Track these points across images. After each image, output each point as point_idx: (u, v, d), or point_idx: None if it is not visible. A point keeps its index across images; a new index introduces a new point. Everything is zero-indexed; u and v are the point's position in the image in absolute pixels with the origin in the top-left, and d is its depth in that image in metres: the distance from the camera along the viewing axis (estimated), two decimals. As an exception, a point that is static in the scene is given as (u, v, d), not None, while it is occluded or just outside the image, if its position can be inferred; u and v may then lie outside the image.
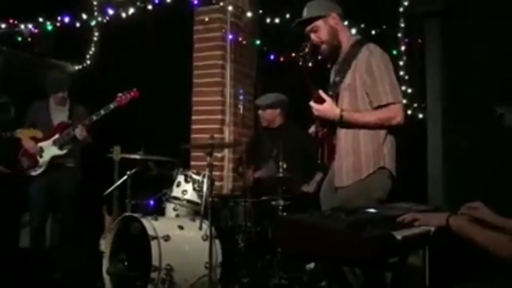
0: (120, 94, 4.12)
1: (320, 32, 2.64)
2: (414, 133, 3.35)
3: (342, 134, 2.55)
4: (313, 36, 2.65)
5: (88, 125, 4.12)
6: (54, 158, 4.16)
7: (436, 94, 3.45)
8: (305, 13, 2.68)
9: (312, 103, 2.56)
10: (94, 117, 4.10)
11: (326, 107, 2.52)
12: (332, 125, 2.58)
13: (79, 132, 4.09)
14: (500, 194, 2.84)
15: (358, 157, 2.50)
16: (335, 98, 2.57)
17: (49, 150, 4.16)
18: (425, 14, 3.50)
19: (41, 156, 4.15)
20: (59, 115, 4.28)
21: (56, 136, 4.16)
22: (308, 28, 2.66)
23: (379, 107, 2.49)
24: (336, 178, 2.56)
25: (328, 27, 2.63)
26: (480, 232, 1.70)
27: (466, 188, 3.05)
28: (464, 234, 1.73)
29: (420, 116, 3.77)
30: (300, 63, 2.61)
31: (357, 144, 2.51)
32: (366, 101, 2.52)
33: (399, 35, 4.04)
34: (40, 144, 4.16)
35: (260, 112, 4.29)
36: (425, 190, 3.33)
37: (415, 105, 3.84)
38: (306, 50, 2.61)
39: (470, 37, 3.23)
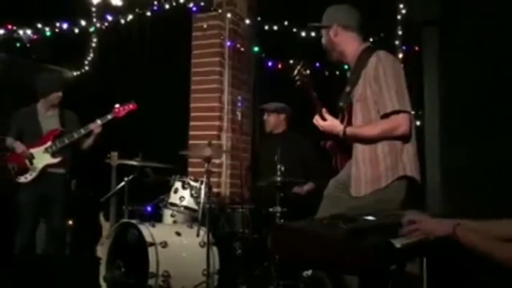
0: (117, 105, 4.08)
1: (324, 39, 2.69)
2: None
3: (359, 145, 2.50)
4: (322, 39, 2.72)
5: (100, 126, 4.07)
6: (47, 166, 4.01)
7: (434, 102, 3.46)
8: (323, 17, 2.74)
9: (316, 119, 2.55)
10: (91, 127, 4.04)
11: (328, 124, 2.52)
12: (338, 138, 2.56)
13: (96, 125, 4.04)
14: (499, 205, 2.84)
15: (376, 169, 2.44)
16: (348, 109, 2.53)
17: (41, 157, 4.00)
18: (422, 22, 3.51)
19: (31, 163, 3.99)
20: (49, 122, 4.13)
21: (49, 143, 4.01)
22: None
23: (385, 115, 2.43)
24: (353, 188, 2.49)
25: (328, 38, 2.66)
26: (501, 245, 1.43)
27: (464, 198, 3.04)
28: (480, 248, 1.46)
29: (418, 123, 3.78)
30: (298, 83, 2.58)
31: (375, 156, 2.45)
32: (376, 110, 2.47)
33: (397, 42, 4.07)
34: (31, 150, 4.01)
35: (265, 117, 4.32)
36: (424, 197, 3.33)
37: (413, 112, 3.84)
38: (295, 72, 2.59)
39: (467, 44, 3.24)
